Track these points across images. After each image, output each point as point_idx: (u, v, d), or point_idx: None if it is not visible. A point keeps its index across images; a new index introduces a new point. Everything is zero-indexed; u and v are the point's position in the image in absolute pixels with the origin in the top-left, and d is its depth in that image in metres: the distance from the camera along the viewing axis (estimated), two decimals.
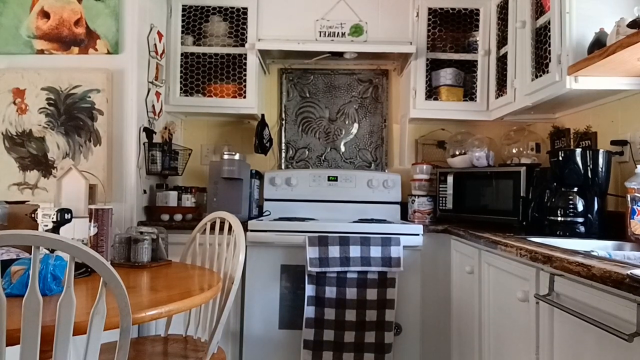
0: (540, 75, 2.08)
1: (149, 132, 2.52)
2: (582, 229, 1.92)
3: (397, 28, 2.72)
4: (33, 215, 1.62)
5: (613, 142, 2.04)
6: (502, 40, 2.54)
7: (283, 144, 3.05)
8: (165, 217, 2.51)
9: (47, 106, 2.36)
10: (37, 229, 1.54)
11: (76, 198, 1.78)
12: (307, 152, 3.06)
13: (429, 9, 2.71)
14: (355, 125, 3.06)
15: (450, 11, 2.73)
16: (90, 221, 1.66)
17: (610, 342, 1.10)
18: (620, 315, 1.06)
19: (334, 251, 2.22)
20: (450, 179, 2.58)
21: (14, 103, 2.36)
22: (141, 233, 1.79)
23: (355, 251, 2.22)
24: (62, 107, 2.36)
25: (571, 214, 1.93)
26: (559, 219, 1.96)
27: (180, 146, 2.81)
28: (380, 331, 2.21)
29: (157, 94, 2.60)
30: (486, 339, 1.92)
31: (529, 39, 2.17)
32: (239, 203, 2.54)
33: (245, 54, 2.72)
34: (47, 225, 1.54)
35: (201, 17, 2.79)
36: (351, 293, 2.23)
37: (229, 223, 1.88)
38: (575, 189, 1.94)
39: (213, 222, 1.97)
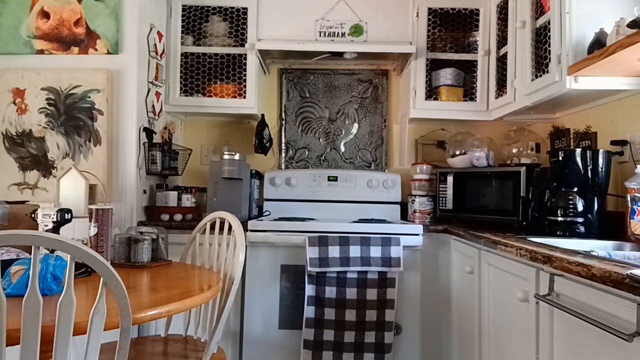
0: (540, 75, 2.08)
1: (149, 132, 2.52)
2: (582, 229, 1.92)
3: (397, 28, 2.72)
4: (33, 215, 1.62)
5: (613, 142, 2.04)
6: (502, 40, 2.54)
7: (283, 144, 3.05)
8: (165, 217, 2.51)
9: (47, 106, 2.36)
10: (37, 229, 1.54)
11: (76, 198, 1.78)
12: (307, 152, 3.06)
13: (429, 9, 2.71)
14: (355, 125, 3.06)
15: (450, 11, 2.73)
16: (90, 221, 1.66)
17: (610, 342, 1.10)
18: (620, 315, 1.06)
19: (334, 251, 2.22)
20: (450, 179, 2.58)
21: (14, 103, 2.36)
22: (141, 233, 1.79)
23: (355, 251, 2.22)
24: (62, 107, 2.36)
25: (571, 214, 1.93)
26: (559, 219, 1.96)
27: (180, 146, 2.81)
28: (380, 331, 2.21)
29: (157, 94, 2.60)
30: (486, 339, 1.92)
31: (529, 39, 2.17)
32: (239, 203, 2.54)
33: (245, 54, 2.72)
34: (47, 225, 1.54)
35: (201, 17, 2.79)
36: (351, 293, 2.23)
37: (229, 223, 1.88)
38: (575, 189, 1.94)
39: (213, 222, 1.97)
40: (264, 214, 2.82)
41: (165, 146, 2.61)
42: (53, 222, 1.51)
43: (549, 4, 2.02)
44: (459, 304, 2.27)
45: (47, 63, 2.38)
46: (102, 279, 0.99)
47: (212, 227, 1.96)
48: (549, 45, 2.01)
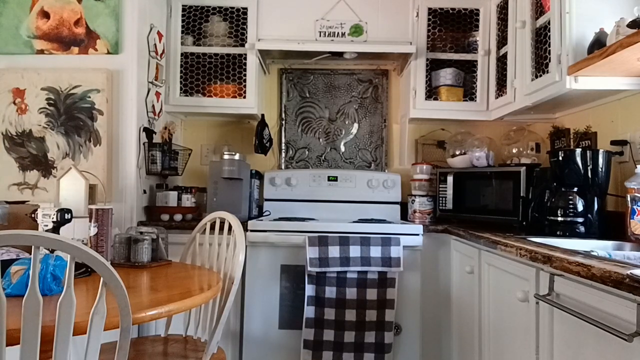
0: (540, 75, 2.08)
1: (149, 132, 2.52)
2: (582, 229, 1.92)
3: (397, 28, 2.72)
4: (33, 215, 1.62)
5: (613, 142, 2.04)
6: (502, 40, 2.54)
7: (283, 144, 3.05)
8: (165, 217, 2.51)
9: (47, 106, 2.36)
10: (37, 229, 1.54)
11: (76, 198, 1.78)
12: (307, 152, 3.06)
13: (429, 9, 2.71)
14: (355, 125, 3.06)
15: (450, 11, 2.73)
16: (90, 221, 1.66)
17: (610, 342, 1.10)
18: (620, 315, 1.06)
19: (334, 251, 2.22)
20: (450, 179, 2.58)
21: (14, 103, 2.36)
22: (141, 233, 1.79)
23: (355, 251, 2.22)
24: (62, 107, 2.36)
25: (571, 214, 1.93)
26: (559, 219, 1.96)
27: (180, 146, 2.81)
28: (380, 331, 2.21)
29: (157, 94, 2.60)
30: (486, 339, 1.92)
31: (529, 39, 2.17)
32: (239, 203, 2.54)
33: (245, 54, 2.72)
34: (47, 225, 1.54)
35: (201, 17, 2.79)
36: (351, 293, 2.23)
37: (229, 223, 1.88)
38: (575, 189, 1.94)
39: (213, 222, 1.97)
40: (264, 214, 2.82)
41: (165, 146, 2.61)
42: (53, 222, 1.51)
43: (549, 4, 2.02)
44: (459, 304, 2.27)
45: (47, 63, 2.38)
46: (102, 279, 0.99)
47: (212, 227, 1.96)
48: (549, 45, 2.01)
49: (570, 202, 1.93)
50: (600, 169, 1.92)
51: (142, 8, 2.43)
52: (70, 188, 1.79)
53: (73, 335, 0.98)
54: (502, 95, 2.51)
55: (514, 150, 2.64)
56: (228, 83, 2.78)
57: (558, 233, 1.95)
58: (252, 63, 2.71)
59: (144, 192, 2.52)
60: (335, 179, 2.86)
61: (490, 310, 1.89)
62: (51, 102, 2.36)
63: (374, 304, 2.22)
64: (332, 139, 3.05)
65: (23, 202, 2.07)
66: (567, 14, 1.88)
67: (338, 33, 2.71)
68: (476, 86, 2.71)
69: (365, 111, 3.06)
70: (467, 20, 2.75)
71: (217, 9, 2.77)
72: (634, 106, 1.99)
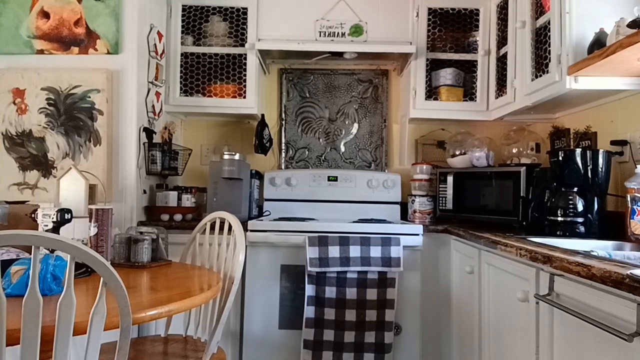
0: (540, 75, 2.08)
1: (149, 132, 2.52)
2: (582, 229, 1.92)
3: (397, 28, 2.72)
4: (33, 215, 1.62)
5: (613, 142, 2.04)
6: (502, 40, 2.54)
7: (283, 144, 3.05)
8: (165, 217, 2.51)
9: (47, 106, 2.36)
10: (37, 229, 1.54)
11: (76, 198, 1.78)
12: (307, 152, 3.06)
13: (429, 9, 2.71)
14: (355, 125, 3.06)
15: (450, 11, 2.73)
16: (90, 221, 1.66)
17: (610, 342, 1.10)
18: (620, 315, 1.06)
19: (334, 251, 2.22)
20: (450, 179, 2.58)
21: (14, 103, 2.36)
22: (141, 233, 1.79)
23: (355, 251, 2.22)
24: (62, 107, 2.36)
25: (571, 214, 1.93)
26: (559, 219, 1.96)
27: (180, 146, 2.81)
28: (380, 331, 2.21)
29: (157, 94, 2.60)
30: (486, 339, 1.92)
31: (529, 39, 2.17)
32: (239, 203, 2.54)
33: (245, 54, 2.72)
34: (47, 225, 1.54)
35: (201, 17, 2.79)
36: (351, 293, 2.23)
37: (229, 223, 1.88)
38: (575, 189, 1.94)
39: (213, 222, 1.97)
40: (264, 214, 2.82)
41: (165, 146, 2.61)
42: (53, 222, 1.51)
43: (549, 4, 2.02)
44: (459, 304, 2.27)
45: (47, 63, 2.37)
46: (102, 279, 0.99)
47: (212, 227, 1.96)
48: (549, 45, 2.01)
49: (570, 202, 1.93)
50: (600, 169, 1.92)
51: (142, 8, 2.43)
52: (70, 188, 1.79)
53: (73, 335, 0.98)
54: (502, 95, 2.51)
55: (514, 150, 2.64)
56: (228, 83, 2.78)
57: (558, 233, 1.95)
58: (252, 63, 2.71)
59: (144, 192, 2.52)
60: (335, 179, 2.86)
61: (490, 310, 1.89)
62: (51, 102, 2.36)
63: (374, 304, 2.22)
64: (332, 139, 3.05)
65: (23, 202, 2.07)
66: (567, 14, 1.88)
67: (338, 33, 2.71)
68: (476, 86, 2.71)
69: (365, 111, 3.06)
70: (467, 20, 2.75)
71: (217, 9, 2.77)
72: (634, 106, 1.99)
